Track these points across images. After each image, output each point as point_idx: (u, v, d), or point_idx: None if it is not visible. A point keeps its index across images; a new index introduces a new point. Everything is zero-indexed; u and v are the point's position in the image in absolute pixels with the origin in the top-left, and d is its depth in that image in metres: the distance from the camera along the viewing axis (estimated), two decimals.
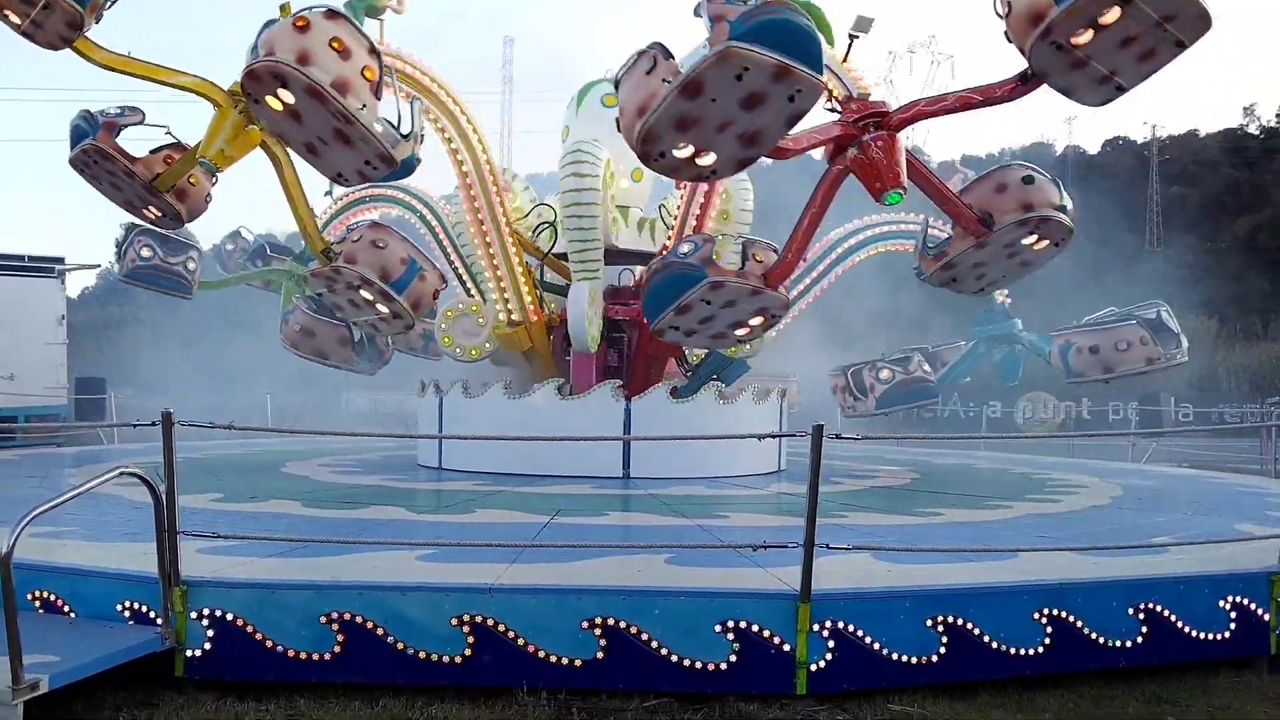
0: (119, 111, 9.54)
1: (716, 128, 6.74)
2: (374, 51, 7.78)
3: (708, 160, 7.07)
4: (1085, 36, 6.64)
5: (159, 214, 9.88)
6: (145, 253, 13.47)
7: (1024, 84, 7.43)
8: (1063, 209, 8.51)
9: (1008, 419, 32.41)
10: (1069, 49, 6.74)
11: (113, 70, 9.20)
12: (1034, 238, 8.63)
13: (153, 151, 9.56)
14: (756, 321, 8.81)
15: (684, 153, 6.90)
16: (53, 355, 19.06)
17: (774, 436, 8.98)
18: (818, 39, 6.50)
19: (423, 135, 8.91)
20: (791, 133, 7.18)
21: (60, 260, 19.56)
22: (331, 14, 7.57)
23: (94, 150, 9.22)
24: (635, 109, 6.72)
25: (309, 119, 7.75)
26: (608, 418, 10.75)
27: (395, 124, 8.37)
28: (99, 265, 31.44)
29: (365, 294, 9.83)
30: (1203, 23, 6.58)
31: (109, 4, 8.78)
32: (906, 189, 7.84)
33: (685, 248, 8.49)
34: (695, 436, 8.98)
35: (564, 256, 11.89)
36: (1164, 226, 58.11)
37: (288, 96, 7.54)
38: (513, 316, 11.64)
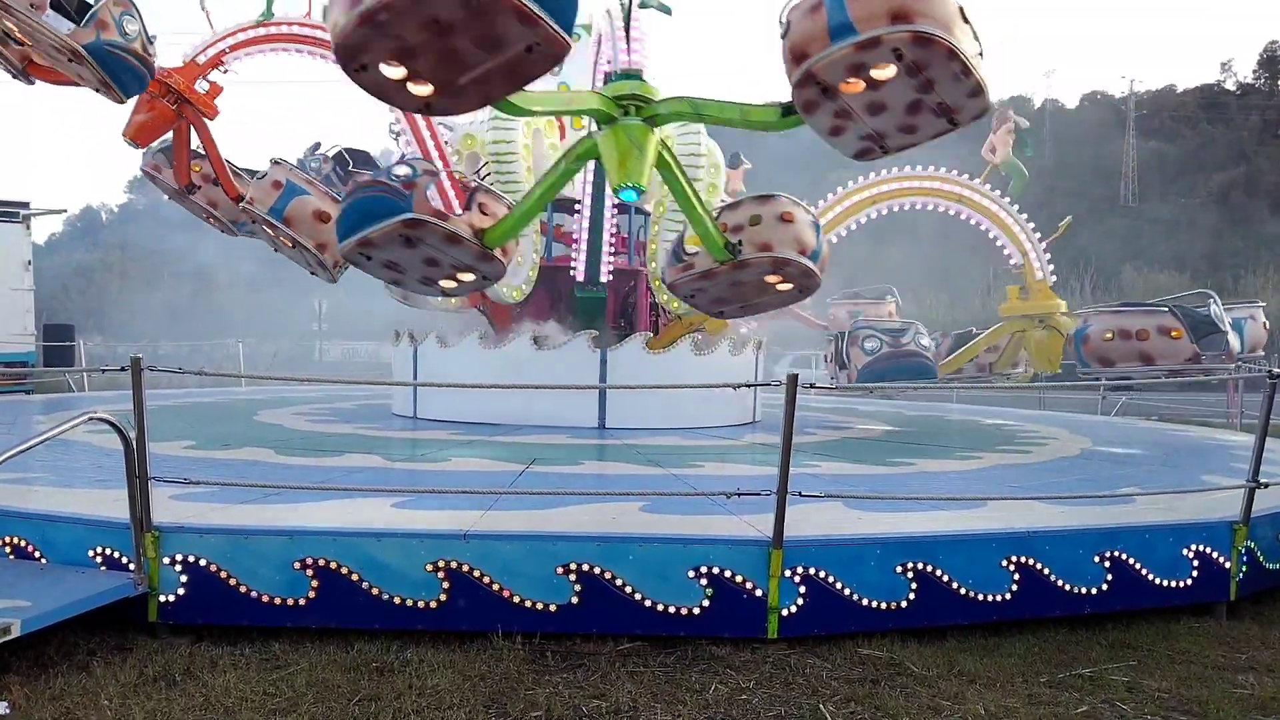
0: (411, 172, 7.59)
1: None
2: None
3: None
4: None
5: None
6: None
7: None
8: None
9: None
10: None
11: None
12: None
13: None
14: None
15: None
16: (19, 302, 18.76)
17: (748, 386, 9.00)
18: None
19: None
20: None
21: (25, 205, 19.18)
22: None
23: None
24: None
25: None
26: (583, 368, 10.75)
27: None
28: (65, 211, 30.87)
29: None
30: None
31: None
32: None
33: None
34: (671, 386, 8.99)
35: None
36: (1140, 182, 58.37)
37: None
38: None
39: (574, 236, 11.37)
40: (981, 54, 5.81)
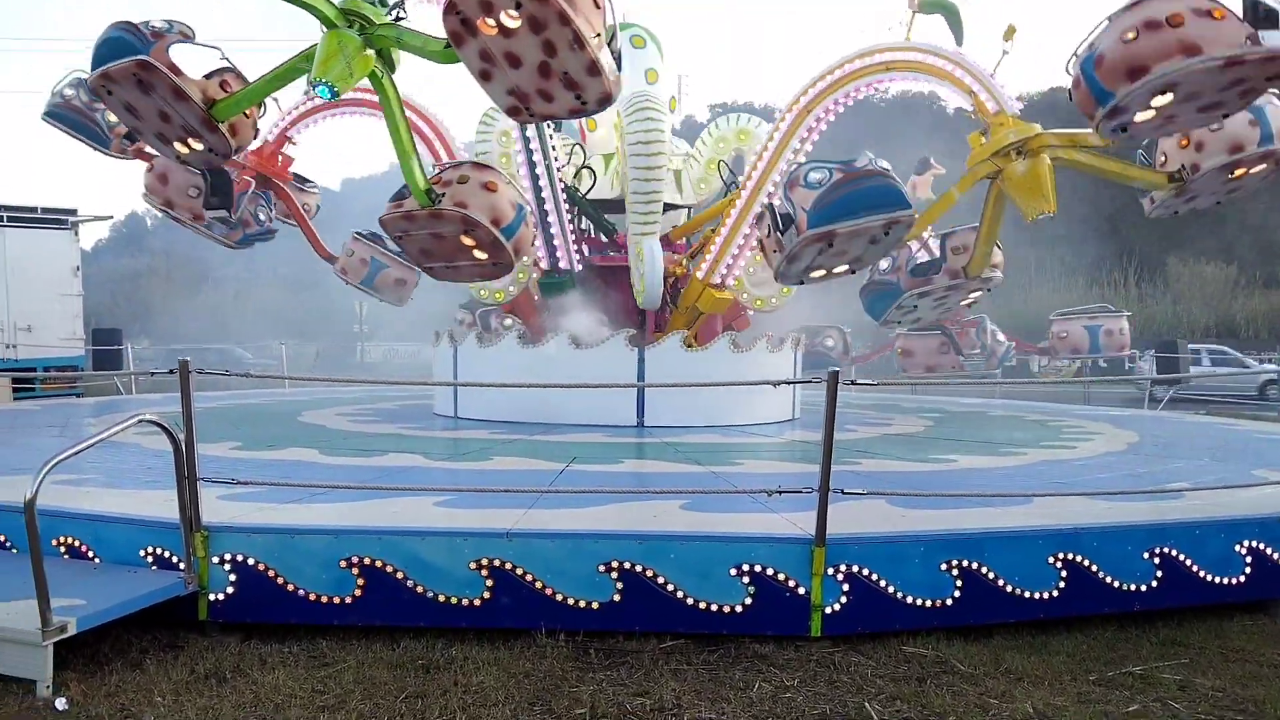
0: (166, 25, 8.05)
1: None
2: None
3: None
4: (490, 29, 6.39)
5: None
6: (69, 92, 11.59)
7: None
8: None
9: (1023, 366, 32.39)
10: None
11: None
12: (471, 241, 8.20)
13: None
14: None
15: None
16: (68, 307, 19.16)
17: (789, 383, 8.94)
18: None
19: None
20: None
21: (73, 212, 19.57)
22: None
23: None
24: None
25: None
26: (621, 367, 10.77)
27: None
28: (111, 217, 31.37)
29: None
30: (606, 99, 6.90)
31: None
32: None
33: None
34: (710, 384, 8.97)
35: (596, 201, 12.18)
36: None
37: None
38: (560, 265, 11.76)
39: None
40: (604, 41, 6.55)
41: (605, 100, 6.92)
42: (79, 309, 19.52)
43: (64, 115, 11.70)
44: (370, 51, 7.68)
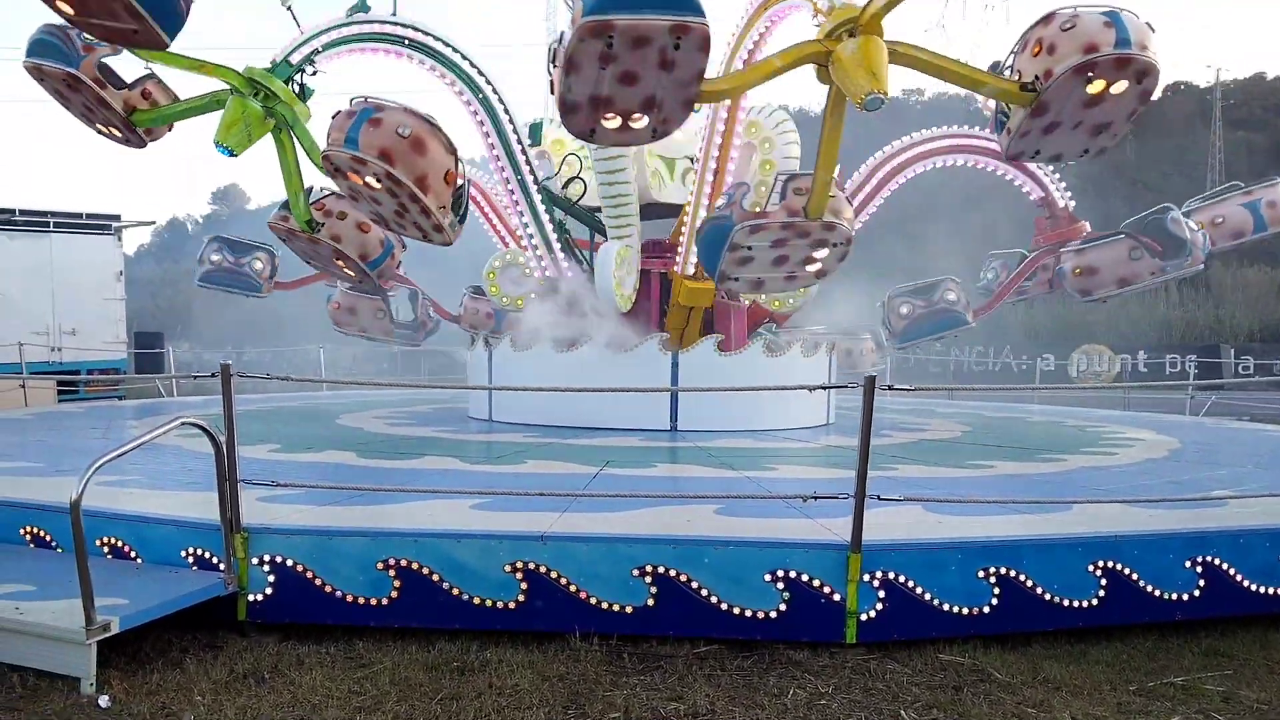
0: (728, 195, 8.89)
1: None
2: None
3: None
4: (357, 179, 8.19)
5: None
6: (215, 257, 14.03)
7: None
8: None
9: (1061, 371, 32.02)
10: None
11: (737, 94, 9.09)
12: (342, 264, 10.90)
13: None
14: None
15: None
16: (112, 310, 19.49)
17: (824, 388, 8.91)
18: (950, 315, 7.65)
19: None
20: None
21: (116, 218, 19.93)
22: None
23: (749, 232, 8.42)
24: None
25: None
26: (655, 371, 10.77)
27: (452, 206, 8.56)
28: (153, 222, 31.85)
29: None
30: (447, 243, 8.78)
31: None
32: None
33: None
34: (744, 388, 8.96)
35: (596, 209, 12.11)
36: (1226, 174, 56.35)
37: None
38: (548, 274, 11.83)
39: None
40: (450, 209, 8.36)
41: (447, 243, 8.76)
42: (122, 313, 19.86)
43: (217, 278, 14.12)
44: (270, 119, 9.30)
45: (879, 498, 5.24)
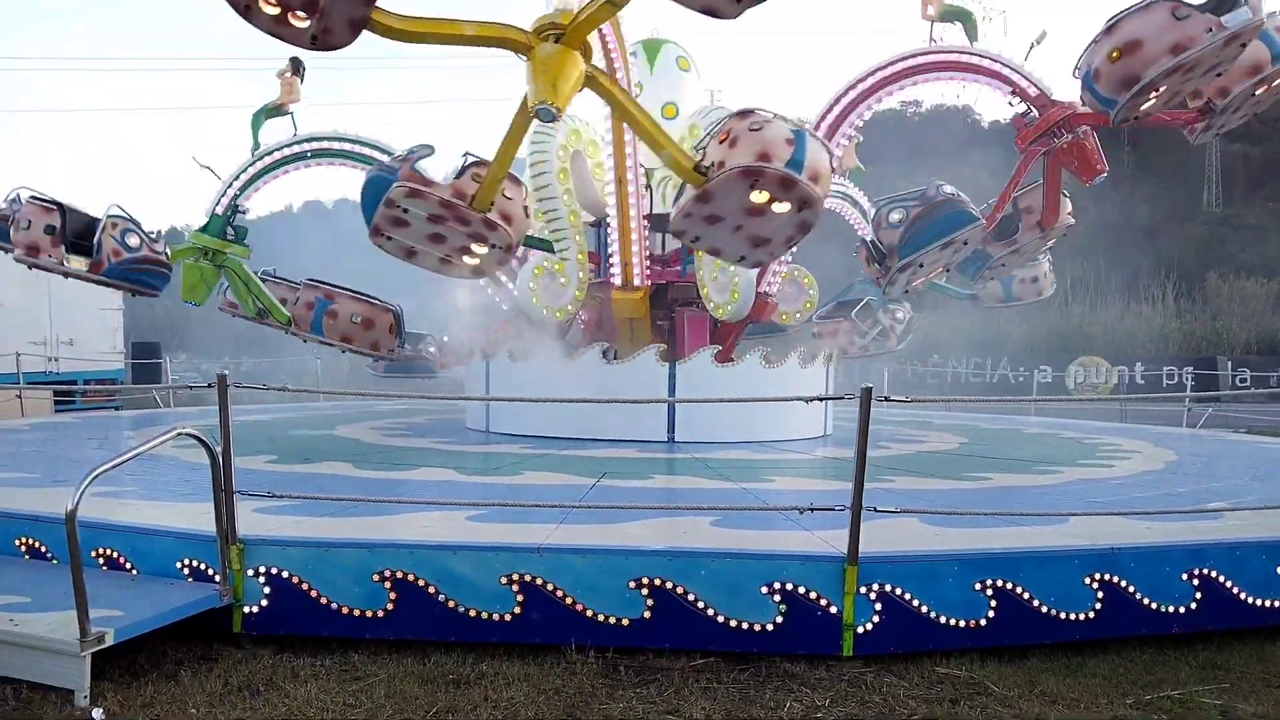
0: (409, 151, 8.57)
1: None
2: (518, 182, 8.38)
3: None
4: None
5: (489, 247, 8.62)
6: (133, 241, 11.64)
7: (1200, 116, 9.30)
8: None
9: (1058, 383, 32.06)
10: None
11: (415, 40, 7.35)
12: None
13: (459, 174, 8.33)
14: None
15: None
16: (109, 321, 19.49)
17: (820, 400, 8.90)
18: (958, 212, 8.85)
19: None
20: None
21: None
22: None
23: (406, 193, 8.09)
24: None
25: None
26: (652, 382, 10.78)
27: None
28: (152, 232, 31.76)
29: (758, 195, 7.49)
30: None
31: None
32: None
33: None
34: (741, 399, 8.97)
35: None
36: (1224, 186, 56.53)
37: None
38: (634, 283, 11.44)
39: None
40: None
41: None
42: (119, 323, 19.85)
43: (127, 272, 12.17)
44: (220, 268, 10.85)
45: (876, 510, 5.23)
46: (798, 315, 12.58)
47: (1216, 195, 56.41)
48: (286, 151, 12.17)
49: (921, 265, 10.79)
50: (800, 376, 11.50)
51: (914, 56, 11.53)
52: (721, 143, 7.22)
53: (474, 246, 8.54)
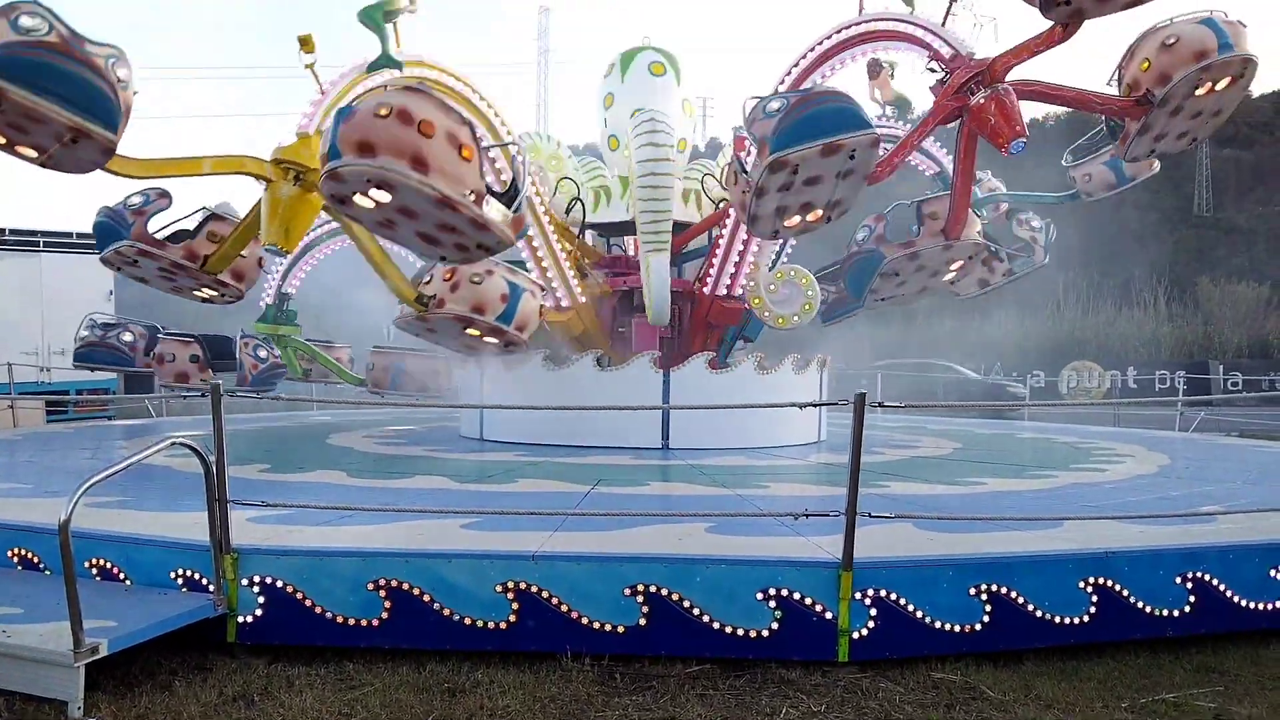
0: (143, 200, 8.74)
1: (800, 203, 7.82)
2: (465, 121, 6.61)
3: (815, 215, 8.04)
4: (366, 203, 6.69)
5: (216, 295, 9.28)
6: (84, 333, 12.96)
7: (1136, 105, 8.28)
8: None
9: (1052, 388, 32.14)
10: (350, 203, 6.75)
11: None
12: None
13: (194, 232, 8.72)
14: (956, 266, 9.89)
15: (793, 221, 8.00)
16: None
17: (815, 406, 8.92)
18: (843, 107, 7.41)
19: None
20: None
21: None
22: (412, 90, 6.55)
23: (132, 252, 8.53)
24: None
25: (405, 220, 6.89)
26: (646, 388, 10.76)
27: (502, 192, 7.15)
28: None
29: (472, 331, 8.98)
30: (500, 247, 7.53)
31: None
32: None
33: (860, 234, 10.05)
34: (735, 405, 8.96)
35: (589, 227, 12.25)
36: (1214, 191, 56.73)
37: (380, 197, 6.52)
38: (561, 303, 11.41)
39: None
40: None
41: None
42: None
43: (94, 356, 12.97)
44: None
45: (870, 515, 5.24)
46: (795, 319, 12.30)
47: (1207, 200, 56.60)
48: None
49: (795, 175, 7.73)
50: (794, 382, 11.50)
51: (837, 32, 10.48)
52: (445, 281, 8.39)
53: (204, 291, 9.20)
